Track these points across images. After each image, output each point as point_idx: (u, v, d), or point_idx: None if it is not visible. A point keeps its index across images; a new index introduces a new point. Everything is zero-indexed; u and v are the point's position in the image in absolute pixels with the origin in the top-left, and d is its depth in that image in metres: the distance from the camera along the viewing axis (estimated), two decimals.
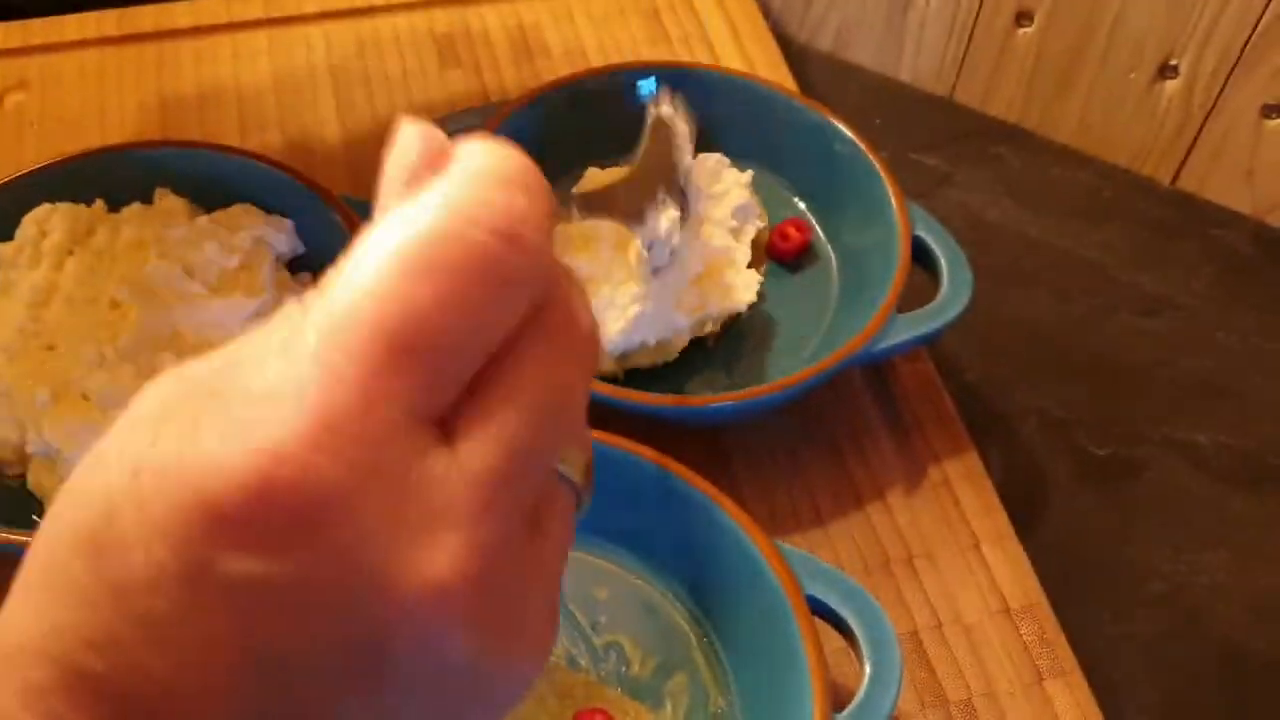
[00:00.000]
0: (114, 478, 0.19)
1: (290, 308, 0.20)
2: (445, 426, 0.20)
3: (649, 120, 0.49)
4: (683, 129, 0.49)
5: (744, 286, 0.55)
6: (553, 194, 0.21)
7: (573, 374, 0.22)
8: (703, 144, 0.61)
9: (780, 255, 0.60)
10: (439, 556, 0.19)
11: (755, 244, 0.58)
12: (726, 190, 0.57)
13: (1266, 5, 0.62)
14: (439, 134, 0.22)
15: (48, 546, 0.19)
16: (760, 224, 0.59)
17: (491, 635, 0.20)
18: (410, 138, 0.21)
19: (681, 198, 0.49)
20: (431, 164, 0.21)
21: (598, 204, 0.48)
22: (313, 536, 0.18)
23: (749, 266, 0.56)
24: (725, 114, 0.62)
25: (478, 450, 0.20)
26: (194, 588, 0.18)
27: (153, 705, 0.18)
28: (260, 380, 0.19)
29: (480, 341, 0.20)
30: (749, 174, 0.59)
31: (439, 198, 0.20)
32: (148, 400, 0.20)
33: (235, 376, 0.19)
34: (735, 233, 0.57)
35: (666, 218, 0.48)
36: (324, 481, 0.18)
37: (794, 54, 0.76)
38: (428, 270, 0.19)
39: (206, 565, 0.18)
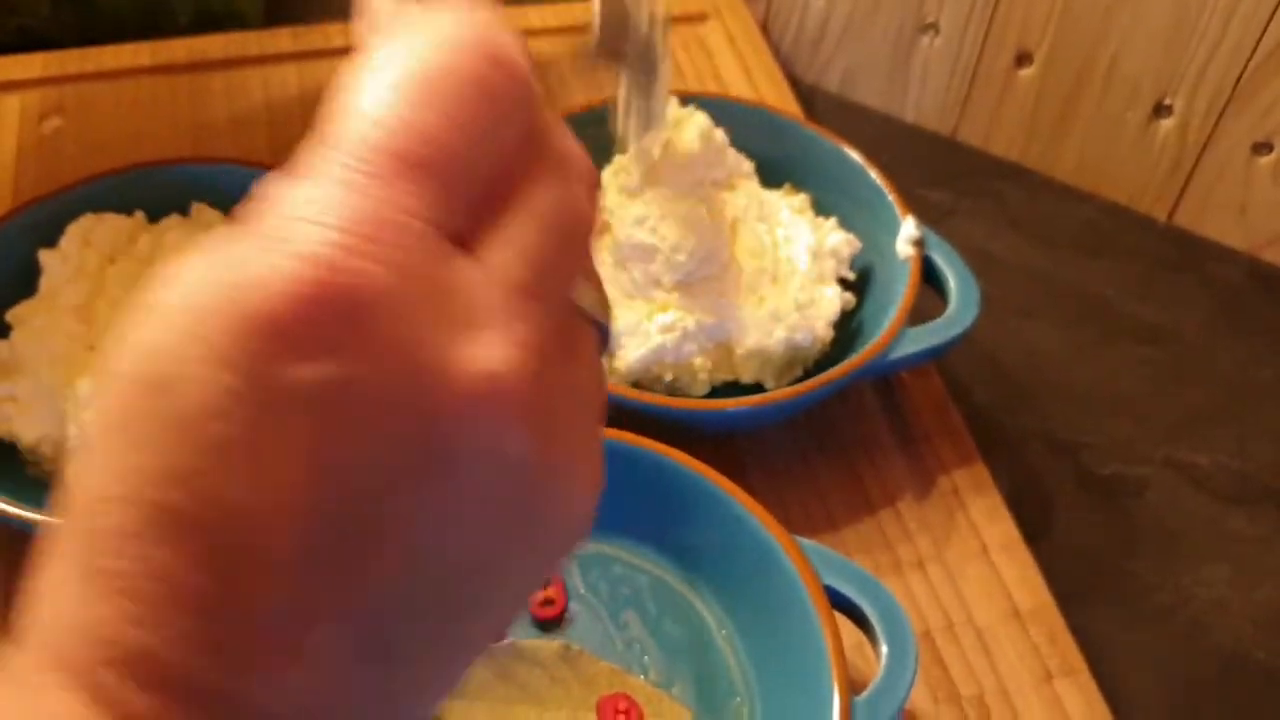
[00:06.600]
0: (163, 318, 0.19)
1: (303, 151, 0.21)
2: (464, 244, 0.21)
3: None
4: None
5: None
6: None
7: (579, 196, 0.22)
8: None
9: None
10: (488, 350, 0.20)
11: None
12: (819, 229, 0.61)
13: (1255, 47, 0.65)
14: None
15: (112, 404, 0.19)
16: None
17: (544, 437, 0.20)
18: None
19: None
20: None
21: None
22: (368, 335, 0.19)
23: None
24: (742, 141, 0.64)
25: (502, 258, 0.21)
26: (260, 404, 0.18)
27: (234, 533, 0.19)
28: (288, 205, 0.20)
29: (487, 161, 0.21)
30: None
31: (429, 25, 0.21)
32: (174, 271, 0.20)
33: (261, 216, 0.20)
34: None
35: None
36: (370, 282, 0.19)
37: (802, 93, 0.79)
38: (430, 97, 0.20)
39: (270, 379, 0.18)
